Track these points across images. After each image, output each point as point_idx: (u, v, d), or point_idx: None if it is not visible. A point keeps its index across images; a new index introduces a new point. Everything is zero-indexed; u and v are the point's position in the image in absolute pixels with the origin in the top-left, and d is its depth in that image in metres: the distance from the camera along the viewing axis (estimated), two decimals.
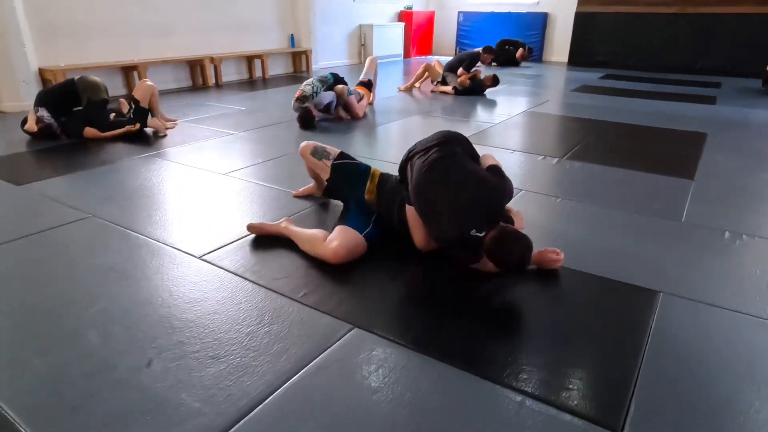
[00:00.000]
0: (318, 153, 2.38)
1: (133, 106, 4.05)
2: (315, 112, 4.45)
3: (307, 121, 4.36)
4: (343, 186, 2.37)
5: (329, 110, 4.69)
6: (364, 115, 4.92)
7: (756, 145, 4.07)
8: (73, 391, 1.36)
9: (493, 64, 9.25)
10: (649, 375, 1.44)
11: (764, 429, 1.27)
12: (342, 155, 2.40)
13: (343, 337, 1.60)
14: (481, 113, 5.25)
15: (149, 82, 4.16)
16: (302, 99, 4.46)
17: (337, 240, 2.02)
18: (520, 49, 9.26)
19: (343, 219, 2.19)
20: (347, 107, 4.72)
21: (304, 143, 2.44)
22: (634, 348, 1.56)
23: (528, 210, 2.61)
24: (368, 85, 5.24)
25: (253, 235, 2.29)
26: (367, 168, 2.36)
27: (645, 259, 2.13)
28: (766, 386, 1.41)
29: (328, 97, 4.58)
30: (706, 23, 8.43)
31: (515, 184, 2.95)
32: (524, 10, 10.22)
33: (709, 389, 1.40)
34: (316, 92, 4.49)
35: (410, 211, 2.05)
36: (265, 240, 2.25)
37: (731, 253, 2.20)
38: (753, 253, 2.20)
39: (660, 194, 2.87)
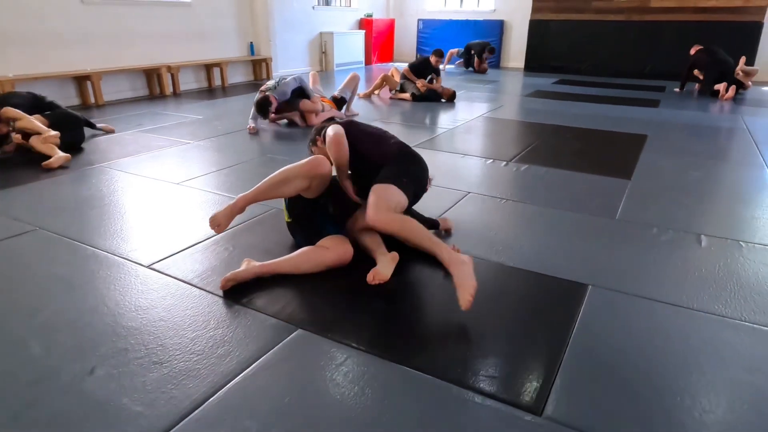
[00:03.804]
0: None
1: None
2: (275, 102, 4.51)
3: (262, 107, 4.44)
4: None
5: (288, 109, 4.76)
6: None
7: (689, 145, 4.33)
8: (14, 400, 1.38)
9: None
10: (572, 361, 1.56)
11: (680, 403, 1.39)
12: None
13: (286, 338, 1.66)
14: (436, 119, 5.39)
15: None
16: (263, 90, 4.60)
17: (338, 242, 2.12)
18: (477, 60, 9.52)
19: (318, 232, 2.19)
20: (304, 115, 4.78)
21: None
22: (560, 338, 1.67)
23: (473, 211, 2.74)
24: (340, 102, 5.24)
25: (202, 243, 2.33)
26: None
27: (577, 255, 2.27)
28: (675, 368, 1.54)
29: (292, 83, 4.67)
30: (653, 30, 8.86)
31: (463, 187, 3.10)
32: (482, 18, 10.49)
33: (628, 371, 1.52)
34: (278, 84, 4.60)
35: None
36: (214, 248, 2.29)
37: (658, 247, 2.36)
38: (678, 246, 2.37)
39: (598, 194, 3.04)
